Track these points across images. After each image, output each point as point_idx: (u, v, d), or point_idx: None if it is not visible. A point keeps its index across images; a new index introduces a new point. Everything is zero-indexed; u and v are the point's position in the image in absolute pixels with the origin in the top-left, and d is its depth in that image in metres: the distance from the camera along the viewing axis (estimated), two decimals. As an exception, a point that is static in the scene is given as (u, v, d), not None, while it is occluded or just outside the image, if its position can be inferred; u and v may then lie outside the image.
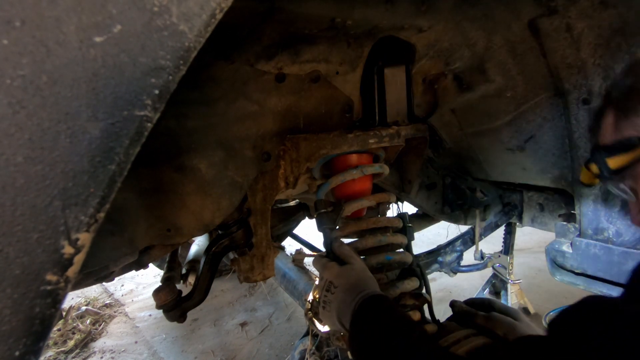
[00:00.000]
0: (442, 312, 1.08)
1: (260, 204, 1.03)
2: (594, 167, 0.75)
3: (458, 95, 1.35)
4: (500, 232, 1.95)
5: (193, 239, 1.38)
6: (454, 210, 1.71)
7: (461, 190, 1.62)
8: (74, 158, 0.35)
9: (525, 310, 2.45)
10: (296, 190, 1.16)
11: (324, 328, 1.09)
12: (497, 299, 1.04)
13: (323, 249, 1.02)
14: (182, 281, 1.23)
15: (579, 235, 1.24)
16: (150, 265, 2.09)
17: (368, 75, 1.09)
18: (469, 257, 1.86)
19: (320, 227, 1.00)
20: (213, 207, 0.95)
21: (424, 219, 1.95)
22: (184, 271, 1.25)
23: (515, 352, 0.62)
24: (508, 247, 2.13)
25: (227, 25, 0.65)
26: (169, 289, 1.05)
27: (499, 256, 2.10)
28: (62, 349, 2.45)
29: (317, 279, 1.63)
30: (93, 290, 3.26)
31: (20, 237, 0.33)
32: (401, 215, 1.09)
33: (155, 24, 0.36)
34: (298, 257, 1.87)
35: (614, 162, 0.70)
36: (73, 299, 3.05)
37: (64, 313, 2.73)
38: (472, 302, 1.00)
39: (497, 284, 2.35)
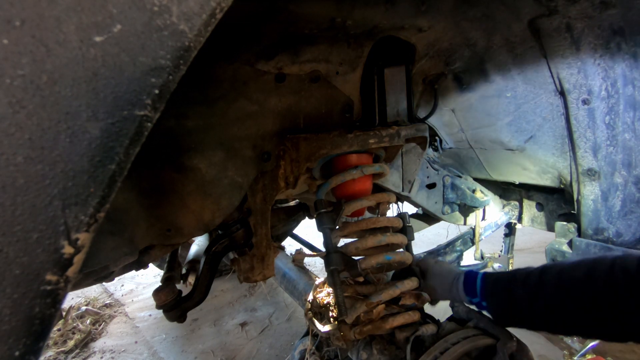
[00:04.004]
0: (443, 312, 1.08)
1: (260, 204, 1.03)
2: None
3: (458, 95, 1.35)
4: (500, 232, 1.95)
5: (193, 239, 1.38)
6: (454, 210, 1.71)
7: (461, 190, 1.62)
8: (74, 158, 0.35)
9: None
10: (296, 190, 1.16)
11: (324, 328, 1.09)
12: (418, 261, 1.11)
13: (323, 249, 1.02)
14: (182, 281, 1.22)
15: (579, 235, 1.24)
16: (150, 265, 2.09)
17: (368, 75, 1.09)
18: (469, 257, 1.86)
19: (320, 227, 1.00)
20: (213, 207, 0.95)
21: (424, 219, 1.95)
22: (184, 271, 1.25)
23: None
24: (508, 247, 2.13)
25: (227, 25, 0.65)
26: (169, 289, 1.05)
27: (499, 256, 2.10)
28: (62, 349, 2.45)
29: (317, 278, 1.63)
30: (93, 290, 3.25)
31: (20, 237, 0.33)
32: (401, 215, 1.09)
33: (155, 24, 0.36)
34: (298, 257, 1.87)
35: None
36: (73, 299, 3.05)
37: (64, 313, 2.73)
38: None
39: (497, 284, 2.34)
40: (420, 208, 1.75)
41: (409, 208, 1.73)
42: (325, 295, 1.21)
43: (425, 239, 3.60)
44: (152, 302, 1.07)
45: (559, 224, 1.33)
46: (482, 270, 1.14)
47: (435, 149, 1.66)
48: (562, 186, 1.30)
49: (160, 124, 0.81)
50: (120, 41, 0.35)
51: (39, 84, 0.33)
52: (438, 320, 1.03)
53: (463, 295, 0.93)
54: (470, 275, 0.94)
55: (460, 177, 1.65)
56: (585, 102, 1.09)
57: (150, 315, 2.89)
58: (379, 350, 0.99)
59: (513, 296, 0.83)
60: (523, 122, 1.27)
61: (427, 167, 1.63)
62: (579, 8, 0.97)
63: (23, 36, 0.32)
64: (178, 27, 0.37)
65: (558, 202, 1.49)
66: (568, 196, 1.34)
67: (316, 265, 3.45)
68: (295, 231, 2.69)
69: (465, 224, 1.78)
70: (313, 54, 0.98)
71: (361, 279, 1.09)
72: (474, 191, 1.63)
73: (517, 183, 1.51)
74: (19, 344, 0.34)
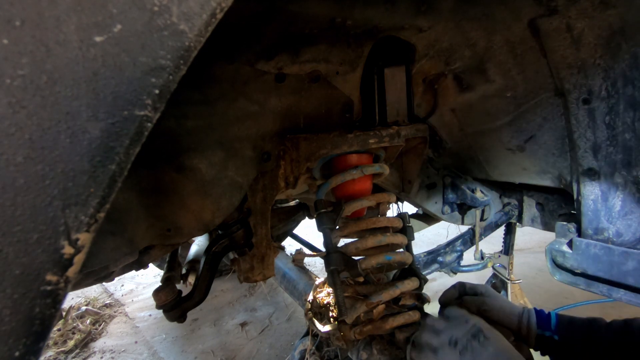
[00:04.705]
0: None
1: (260, 204, 1.03)
2: None
3: (458, 95, 1.35)
4: (500, 232, 1.95)
5: (193, 239, 1.38)
6: (454, 210, 1.71)
7: (461, 190, 1.62)
8: (74, 158, 0.35)
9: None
10: (296, 190, 1.16)
11: (324, 328, 1.09)
12: (466, 282, 1.07)
13: (323, 249, 1.02)
14: (182, 281, 1.22)
15: (579, 235, 1.24)
16: (150, 265, 2.09)
17: (368, 75, 1.09)
18: (469, 257, 1.86)
19: (320, 227, 1.00)
20: (213, 207, 0.95)
21: (424, 219, 1.95)
22: (184, 271, 1.25)
23: None
24: (508, 247, 2.13)
25: (227, 25, 0.65)
26: (169, 289, 1.05)
27: (499, 256, 2.10)
28: (62, 349, 2.45)
29: (317, 278, 1.63)
30: (93, 290, 3.25)
31: (20, 237, 0.33)
32: (401, 215, 1.09)
33: (155, 24, 0.36)
34: (298, 257, 1.87)
35: None
36: (73, 299, 3.05)
37: (64, 313, 2.73)
38: (445, 301, 1.03)
39: (497, 284, 2.35)
40: (420, 208, 1.75)
41: (409, 208, 1.73)
42: (325, 295, 1.21)
43: (425, 239, 3.61)
44: (152, 302, 1.07)
45: (559, 224, 1.33)
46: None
47: (435, 149, 1.66)
48: (562, 186, 1.30)
49: (160, 124, 0.81)
50: (121, 41, 0.35)
51: (39, 84, 0.33)
52: (438, 320, 1.03)
53: (534, 326, 0.88)
54: (540, 310, 0.92)
55: (460, 177, 1.65)
56: (585, 102, 1.09)
57: (150, 315, 2.89)
58: (379, 350, 0.99)
59: (595, 334, 0.80)
60: (523, 122, 1.27)
61: (427, 167, 1.63)
62: (579, 8, 0.96)
63: (23, 36, 0.32)
64: (178, 27, 0.37)
65: (558, 202, 1.49)
66: (568, 196, 1.34)
67: (316, 265, 3.46)
68: (295, 231, 2.69)
69: (464, 224, 1.78)
70: (313, 54, 0.98)
71: (361, 279, 1.09)
72: (473, 191, 1.63)
73: (517, 183, 1.51)
74: (19, 344, 0.34)
